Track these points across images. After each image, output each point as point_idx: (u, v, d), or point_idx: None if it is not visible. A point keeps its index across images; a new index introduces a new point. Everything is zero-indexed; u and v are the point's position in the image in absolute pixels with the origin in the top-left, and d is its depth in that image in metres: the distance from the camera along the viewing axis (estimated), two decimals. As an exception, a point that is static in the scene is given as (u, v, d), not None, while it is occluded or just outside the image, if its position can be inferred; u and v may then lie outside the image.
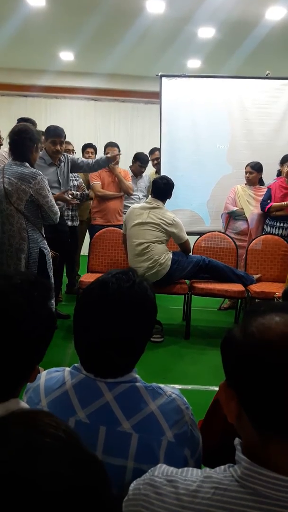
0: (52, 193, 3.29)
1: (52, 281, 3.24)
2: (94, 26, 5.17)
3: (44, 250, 3.15)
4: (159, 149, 5.11)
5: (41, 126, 4.18)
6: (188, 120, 5.02)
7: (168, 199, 3.95)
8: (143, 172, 5.28)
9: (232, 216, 4.76)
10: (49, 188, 3.10)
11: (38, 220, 3.12)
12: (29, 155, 3.05)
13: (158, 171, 5.16)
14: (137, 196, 5.15)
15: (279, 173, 4.70)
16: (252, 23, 5.04)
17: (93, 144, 5.59)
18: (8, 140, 3.14)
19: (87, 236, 5.04)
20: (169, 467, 0.80)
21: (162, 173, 4.73)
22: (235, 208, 4.69)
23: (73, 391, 1.04)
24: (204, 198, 5.10)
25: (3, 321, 0.87)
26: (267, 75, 5.03)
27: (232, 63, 6.01)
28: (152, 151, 5.57)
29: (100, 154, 5.11)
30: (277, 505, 0.66)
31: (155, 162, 5.41)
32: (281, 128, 5.01)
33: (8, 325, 0.87)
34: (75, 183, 4.68)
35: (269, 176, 4.76)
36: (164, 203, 3.89)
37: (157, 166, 5.25)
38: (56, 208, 3.16)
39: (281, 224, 4.43)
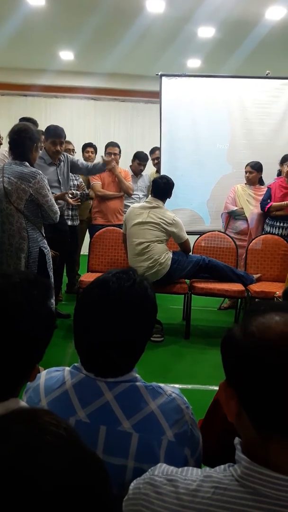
0: (53, 193, 3.29)
1: (52, 280, 3.24)
2: (94, 25, 5.17)
3: (44, 249, 3.15)
4: (159, 149, 5.11)
5: (41, 126, 4.19)
6: (188, 119, 5.02)
7: (168, 199, 3.95)
8: (142, 170, 5.28)
9: (232, 216, 4.76)
10: (49, 188, 3.10)
11: (38, 219, 3.12)
12: (29, 155, 3.05)
13: (158, 171, 5.16)
14: (137, 196, 5.15)
15: (279, 173, 4.70)
16: (252, 23, 5.04)
17: (93, 143, 5.59)
18: (8, 140, 3.14)
19: (87, 235, 5.04)
20: (169, 467, 0.80)
21: (162, 172, 4.73)
22: (235, 208, 4.69)
23: (73, 391, 1.04)
24: (204, 197, 5.10)
25: (2, 320, 0.87)
26: (267, 74, 5.03)
27: (232, 63, 6.01)
28: (153, 150, 5.57)
29: (100, 153, 5.10)
30: (277, 504, 0.66)
31: (156, 161, 5.40)
32: (281, 127, 5.01)
33: (7, 324, 0.87)
34: (75, 182, 4.68)
35: (269, 175, 4.76)
36: (164, 203, 3.89)
37: (158, 165, 5.24)
38: (56, 207, 3.16)
39: (281, 224, 4.43)
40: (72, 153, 4.94)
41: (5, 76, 7.38)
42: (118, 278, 1.06)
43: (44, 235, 3.19)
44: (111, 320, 1.01)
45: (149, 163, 5.49)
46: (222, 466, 0.75)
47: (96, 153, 5.47)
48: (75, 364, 1.09)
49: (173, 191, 3.94)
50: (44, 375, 1.12)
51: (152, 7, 4.82)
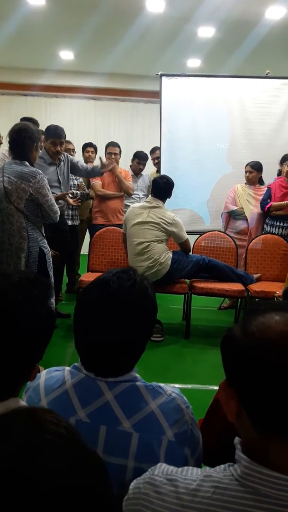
0: (53, 192, 3.28)
1: (52, 280, 3.24)
2: (94, 25, 5.17)
3: (44, 249, 3.15)
4: (159, 148, 5.11)
5: (41, 125, 4.19)
6: (188, 119, 5.02)
7: (168, 199, 3.95)
8: (142, 169, 5.28)
9: (232, 216, 4.76)
10: (49, 187, 3.10)
11: (38, 219, 3.12)
12: (29, 154, 3.05)
13: (159, 170, 5.16)
14: (138, 196, 5.16)
15: (279, 173, 4.70)
16: (252, 23, 5.04)
17: (93, 143, 5.59)
18: (8, 139, 3.14)
19: (87, 235, 5.04)
20: (169, 466, 0.80)
21: (162, 172, 4.73)
22: (235, 208, 4.69)
23: (73, 391, 1.04)
24: (204, 197, 5.10)
25: (2, 320, 0.87)
26: (267, 74, 5.03)
27: (232, 63, 6.01)
28: (153, 150, 5.57)
29: (100, 153, 5.10)
30: (277, 504, 0.66)
31: (156, 161, 5.40)
32: (281, 127, 5.01)
33: (7, 323, 0.87)
34: (76, 182, 4.68)
35: (269, 175, 4.76)
36: (164, 203, 3.89)
37: (158, 165, 5.24)
38: (56, 207, 3.16)
39: (281, 224, 4.43)
40: (72, 153, 4.94)
41: (5, 76, 7.37)
42: (118, 277, 1.05)
43: (44, 234, 3.19)
44: (111, 319, 1.01)
45: (149, 163, 5.49)
46: (222, 466, 0.75)
47: (96, 153, 5.46)
48: (75, 364, 1.09)
49: (173, 191, 3.94)
50: (44, 375, 1.12)
51: (152, 7, 4.82)
